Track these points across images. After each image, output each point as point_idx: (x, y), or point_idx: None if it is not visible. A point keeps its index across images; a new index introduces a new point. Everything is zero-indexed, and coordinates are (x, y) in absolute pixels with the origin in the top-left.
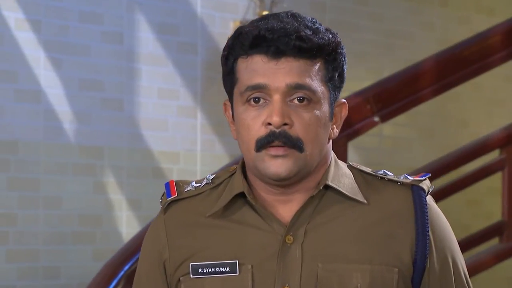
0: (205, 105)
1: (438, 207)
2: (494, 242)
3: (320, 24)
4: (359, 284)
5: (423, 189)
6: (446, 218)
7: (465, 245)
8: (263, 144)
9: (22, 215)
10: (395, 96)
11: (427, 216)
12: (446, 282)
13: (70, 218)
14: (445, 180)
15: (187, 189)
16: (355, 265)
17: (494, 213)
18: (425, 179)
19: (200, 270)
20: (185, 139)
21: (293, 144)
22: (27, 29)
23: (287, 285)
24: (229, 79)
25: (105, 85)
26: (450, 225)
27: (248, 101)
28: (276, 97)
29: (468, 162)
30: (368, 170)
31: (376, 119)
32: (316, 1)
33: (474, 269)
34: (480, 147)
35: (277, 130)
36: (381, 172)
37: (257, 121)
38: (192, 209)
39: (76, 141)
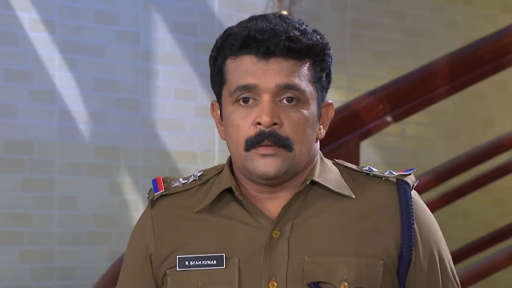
0: None
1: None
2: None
3: (307, 26)
4: (345, 276)
5: (408, 184)
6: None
7: (485, 243)
8: (252, 143)
9: (37, 215)
10: (408, 96)
11: (412, 209)
12: (433, 275)
13: (85, 219)
14: (465, 177)
15: (174, 185)
16: (342, 258)
17: None
18: (410, 174)
19: (186, 263)
20: (203, 139)
21: (283, 143)
22: (41, 30)
23: (273, 279)
24: (218, 79)
25: (120, 86)
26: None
27: (237, 101)
28: (266, 97)
29: (488, 160)
30: (354, 166)
31: (389, 119)
32: (337, 0)
33: (489, 269)
34: (502, 145)
35: (267, 130)
36: (366, 168)
37: (246, 121)
38: (179, 204)
39: (91, 142)
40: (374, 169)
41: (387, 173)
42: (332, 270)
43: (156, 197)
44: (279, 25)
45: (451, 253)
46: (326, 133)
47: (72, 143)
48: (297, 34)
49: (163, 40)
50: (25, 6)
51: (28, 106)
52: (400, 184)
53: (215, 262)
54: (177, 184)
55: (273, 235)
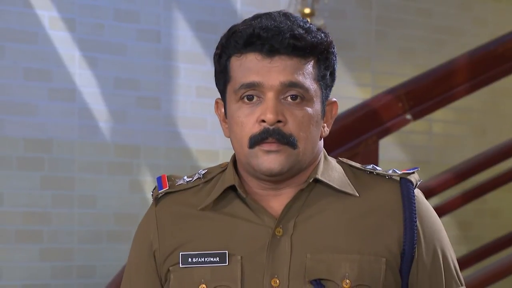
0: None
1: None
2: None
3: (311, 24)
4: (347, 274)
5: (411, 182)
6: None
7: (498, 245)
8: (257, 140)
9: (57, 214)
10: (427, 93)
11: (415, 207)
12: (436, 273)
13: (105, 217)
14: (487, 175)
15: (178, 183)
16: (344, 255)
17: None
18: (413, 172)
19: (189, 259)
20: (224, 138)
21: (287, 140)
22: (61, 28)
23: (276, 276)
24: (222, 77)
25: (141, 84)
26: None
27: (241, 98)
28: (270, 95)
29: (500, 162)
30: (357, 165)
31: (408, 117)
32: None
33: (507, 270)
34: None
35: (271, 127)
36: (370, 167)
37: (250, 119)
38: (183, 201)
39: (112, 140)
40: (378, 168)
41: (390, 171)
42: (334, 267)
43: (161, 194)
44: (283, 23)
45: (478, 250)
46: (345, 131)
47: (92, 141)
48: (302, 32)
49: (184, 38)
50: (45, 4)
51: (48, 104)
52: (404, 183)
53: (218, 259)
54: (181, 182)
55: (276, 233)
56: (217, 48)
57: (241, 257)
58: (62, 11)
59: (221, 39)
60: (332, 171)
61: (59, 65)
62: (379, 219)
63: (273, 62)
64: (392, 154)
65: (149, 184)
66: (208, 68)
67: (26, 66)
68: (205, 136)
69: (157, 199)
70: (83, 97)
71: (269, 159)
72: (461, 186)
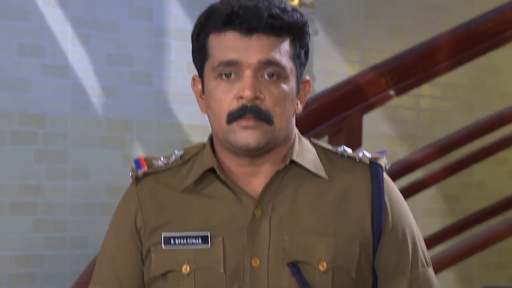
0: None
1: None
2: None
3: (286, 4)
4: (323, 256)
5: (380, 166)
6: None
7: (482, 216)
8: (234, 116)
9: (50, 186)
10: (410, 70)
11: (383, 189)
12: (402, 253)
13: (98, 190)
14: (475, 146)
15: (156, 164)
16: (320, 238)
17: None
18: (383, 156)
19: (172, 241)
20: None
21: (264, 117)
22: (54, 5)
23: (256, 256)
24: (200, 54)
25: (133, 60)
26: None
27: (220, 75)
28: (248, 72)
29: (486, 134)
30: (329, 147)
31: (391, 92)
32: None
33: (491, 240)
34: (498, 120)
35: (249, 104)
36: (341, 149)
37: (228, 95)
38: (162, 182)
39: (104, 115)
40: (348, 150)
41: (361, 154)
42: (311, 250)
43: (140, 175)
44: (261, 3)
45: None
46: (330, 107)
47: (85, 116)
48: (279, 12)
49: (176, 16)
50: None
51: (42, 80)
52: (374, 167)
53: (200, 241)
54: (159, 163)
55: (255, 214)
56: (195, 26)
57: (223, 238)
58: None
59: (199, 18)
60: (306, 153)
61: (52, 41)
62: (351, 202)
63: (251, 40)
64: (381, 129)
65: None
66: None
67: (19, 42)
68: (196, 111)
69: (137, 180)
70: (76, 73)
71: (247, 135)
72: (446, 159)
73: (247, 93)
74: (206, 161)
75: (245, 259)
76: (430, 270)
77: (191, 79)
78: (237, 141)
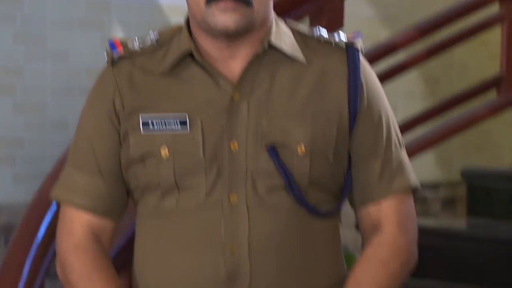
0: None
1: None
2: (492, 95)
3: None
4: (301, 139)
5: (357, 49)
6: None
7: (463, 98)
8: None
9: (29, 69)
10: None
11: (360, 71)
12: (377, 134)
13: (77, 72)
14: (457, 28)
15: (132, 46)
16: (298, 121)
17: None
18: (358, 39)
19: (150, 125)
20: None
21: None
22: None
23: (234, 139)
24: None
25: None
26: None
27: None
28: None
29: (467, 15)
30: (305, 30)
31: None
32: None
33: (471, 122)
34: (480, 1)
35: None
36: (317, 33)
37: None
38: (139, 65)
39: None
40: (324, 34)
41: (337, 37)
42: (289, 132)
43: (116, 58)
44: None
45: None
46: None
47: None
48: None
49: None
50: None
51: None
52: (350, 50)
53: (179, 125)
54: (134, 45)
55: (234, 97)
56: None
57: (201, 121)
58: None
59: None
60: (283, 35)
61: None
62: (329, 85)
63: None
64: (363, 12)
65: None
66: None
67: None
68: None
69: (113, 62)
70: None
71: (225, 17)
72: (427, 42)
73: None
74: (183, 44)
75: (224, 143)
76: (403, 152)
77: None
78: (216, 23)
